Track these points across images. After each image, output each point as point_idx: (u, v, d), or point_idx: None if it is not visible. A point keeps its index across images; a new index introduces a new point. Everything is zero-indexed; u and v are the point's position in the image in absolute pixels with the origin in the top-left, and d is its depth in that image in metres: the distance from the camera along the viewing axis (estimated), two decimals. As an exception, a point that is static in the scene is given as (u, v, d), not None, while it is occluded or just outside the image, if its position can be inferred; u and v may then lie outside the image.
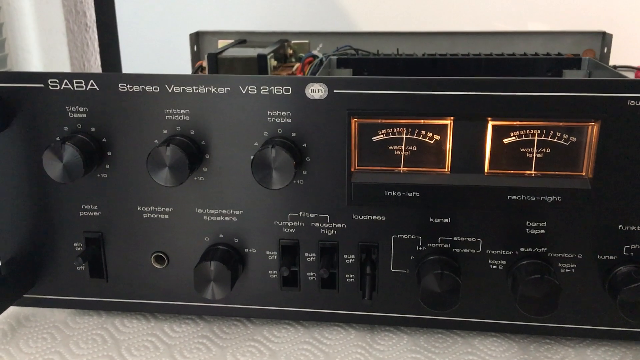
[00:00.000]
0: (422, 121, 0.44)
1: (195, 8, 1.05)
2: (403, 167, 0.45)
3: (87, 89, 0.46)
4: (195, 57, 0.87)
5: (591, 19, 0.85)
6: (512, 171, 0.44)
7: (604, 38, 0.77)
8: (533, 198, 0.44)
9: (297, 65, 0.73)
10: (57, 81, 0.46)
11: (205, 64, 0.70)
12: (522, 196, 0.44)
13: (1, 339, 0.49)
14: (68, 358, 0.46)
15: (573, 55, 0.74)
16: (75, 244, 0.50)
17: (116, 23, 1.27)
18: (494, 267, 0.46)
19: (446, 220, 0.46)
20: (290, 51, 0.83)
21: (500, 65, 0.69)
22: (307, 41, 0.86)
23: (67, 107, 0.46)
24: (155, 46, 1.13)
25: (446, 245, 0.46)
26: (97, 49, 1.30)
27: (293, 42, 0.85)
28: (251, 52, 0.73)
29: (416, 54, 0.78)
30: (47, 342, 0.48)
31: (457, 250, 0.46)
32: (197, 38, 0.88)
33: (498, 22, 0.89)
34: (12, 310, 0.52)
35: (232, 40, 0.86)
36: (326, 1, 0.93)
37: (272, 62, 0.72)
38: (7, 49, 1.15)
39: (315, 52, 0.79)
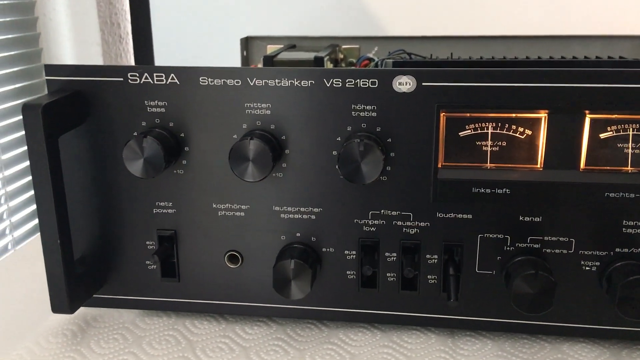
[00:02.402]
0: (513, 115, 0.42)
1: (232, 16, 1.06)
2: (491, 163, 0.44)
3: (167, 82, 0.45)
4: (245, 62, 0.87)
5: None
6: (609, 167, 0.42)
7: (667, 41, 0.75)
8: (632, 195, 0.42)
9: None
10: (137, 75, 0.45)
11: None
12: (620, 193, 0.42)
13: (71, 339, 0.48)
14: (143, 358, 0.45)
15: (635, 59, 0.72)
16: (147, 242, 0.49)
17: (151, 34, 1.29)
18: (587, 268, 0.44)
19: (537, 219, 0.44)
20: (341, 56, 0.82)
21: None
22: (357, 46, 0.85)
23: (145, 102, 0.45)
24: (187, 56, 1.13)
25: (536, 245, 0.44)
26: (132, 60, 1.31)
27: (343, 47, 0.84)
28: (306, 55, 0.72)
29: (472, 58, 0.76)
30: (119, 343, 0.47)
31: (548, 250, 0.44)
32: (246, 43, 0.87)
33: (552, 25, 0.88)
34: (79, 311, 0.51)
35: (282, 45, 0.85)
36: (375, 5, 0.92)
37: (329, 65, 0.71)
38: (43, 59, 1.16)
39: (370, 55, 0.78)
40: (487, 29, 0.88)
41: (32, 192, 1.06)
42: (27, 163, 1.05)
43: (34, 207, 1.08)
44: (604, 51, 0.77)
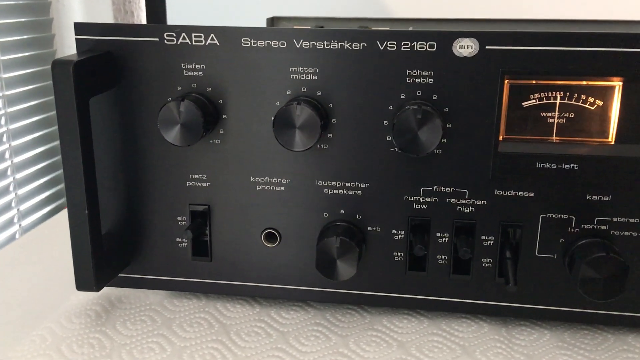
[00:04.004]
0: (584, 82, 0.39)
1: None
2: (557, 136, 0.40)
3: (207, 44, 0.42)
4: (271, 43, 0.83)
5: None
6: (688, 142, 0.39)
7: None
8: None
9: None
10: (174, 35, 0.42)
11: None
12: (701, 170, 0.38)
13: (95, 320, 0.45)
14: (174, 341, 0.42)
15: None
16: (179, 218, 0.45)
17: (166, 21, 1.25)
18: (659, 253, 0.41)
19: (606, 198, 0.40)
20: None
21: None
22: (387, 28, 0.82)
23: (182, 64, 0.42)
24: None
25: (604, 227, 0.41)
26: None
27: (373, 29, 0.81)
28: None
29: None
30: (147, 325, 0.44)
31: (616, 232, 0.41)
32: (272, 23, 0.84)
33: (618, 10, 0.84)
34: (102, 291, 0.47)
35: (309, 27, 0.82)
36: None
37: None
38: (55, 45, 1.13)
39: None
40: (528, 12, 0.84)
41: (41, 181, 1.03)
42: (34, 152, 1.02)
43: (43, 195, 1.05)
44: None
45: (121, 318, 0.45)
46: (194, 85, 0.42)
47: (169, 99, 0.42)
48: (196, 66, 0.42)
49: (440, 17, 0.84)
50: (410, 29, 0.81)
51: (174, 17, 1.19)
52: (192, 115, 0.40)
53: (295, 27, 0.83)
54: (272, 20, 0.84)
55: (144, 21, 1.27)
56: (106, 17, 1.26)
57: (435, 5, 0.95)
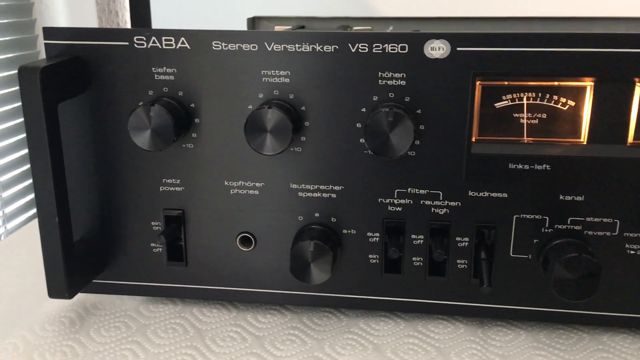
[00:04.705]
0: (556, 83, 0.39)
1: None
2: (530, 137, 0.40)
3: (177, 47, 0.41)
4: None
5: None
6: (659, 141, 0.39)
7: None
8: (685, 172, 0.38)
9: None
10: (144, 39, 0.41)
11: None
12: (672, 170, 0.39)
13: (69, 327, 0.44)
14: (148, 347, 0.41)
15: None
16: (153, 223, 0.45)
17: (151, 22, 1.25)
18: (632, 252, 0.41)
19: (579, 198, 0.40)
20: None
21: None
22: (369, 27, 0.81)
23: (153, 68, 0.42)
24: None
25: (577, 227, 0.41)
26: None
27: (355, 28, 0.81)
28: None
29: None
30: (122, 331, 0.43)
31: (590, 232, 0.41)
32: (253, 23, 0.84)
33: (576, 7, 0.84)
34: (77, 297, 0.47)
35: (290, 27, 0.81)
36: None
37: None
38: (39, 46, 1.12)
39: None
40: (506, 10, 0.85)
41: (25, 183, 1.02)
42: (21, 153, 1.01)
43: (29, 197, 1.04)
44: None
45: (95, 325, 0.44)
46: (166, 89, 0.42)
47: (140, 103, 0.42)
48: (167, 70, 0.42)
49: (421, 15, 0.84)
50: (391, 28, 0.81)
51: (158, 18, 1.18)
52: (162, 119, 0.40)
53: (276, 27, 0.83)
54: (252, 20, 0.83)
55: (128, 21, 1.26)
56: (90, 17, 1.25)
57: (419, 3, 0.95)
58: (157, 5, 1.19)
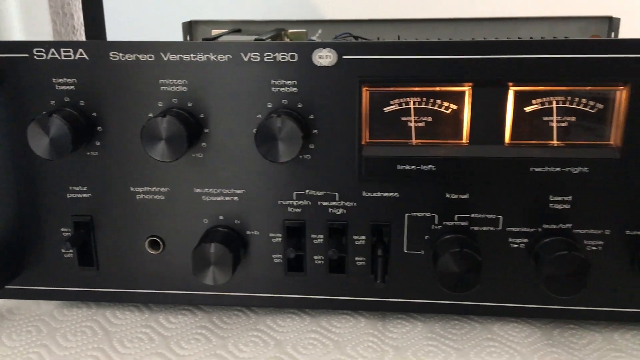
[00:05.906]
0: (437, 88, 0.41)
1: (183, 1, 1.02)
2: (417, 139, 0.42)
3: (76, 58, 0.42)
4: (188, 47, 0.84)
5: (597, 3, 0.83)
6: (534, 141, 0.41)
7: (611, 23, 0.75)
8: (557, 170, 0.41)
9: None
10: (43, 50, 0.42)
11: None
12: (546, 168, 0.41)
13: (-18, 333, 0.45)
14: (55, 351, 0.43)
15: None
16: (62, 229, 0.46)
17: (104, 24, 1.24)
18: (515, 245, 0.43)
19: (464, 196, 0.43)
20: (287, 40, 0.80)
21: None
22: (304, 30, 0.83)
23: (53, 79, 0.43)
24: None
25: (464, 223, 0.43)
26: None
27: (290, 31, 0.82)
28: (247, 38, 0.70)
29: (418, 40, 0.75)
30: (32, 335, 0.45)
31: (476, 228, 0.43)
32: (189, 28, 0.85)
33: (500, 8, 0.87)
34: (-6, 303, 0.48)
35: (226, 30, 0.82)
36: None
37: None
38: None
39: (314, 38, 0.76)
40: (434, 12, 0.87)
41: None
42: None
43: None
44: (550, 33, 0.77)
45: (8, 330, 0.45)
46: (67, 99, 0.43)
47: (43, 113, 0.43)
48: (67, 80, 0.43)
49: (355, 17, 0.86)
50: (320, 32, 0.82)
51: (111, 20, 1.17)
52: (59, 129, 0.41)
53: (213, 31, 0.84)
54: (189, 24, 0.84)
55: (82, 22, 1.26)
56: (43, 20, 1.24)
57: (361, 5, 0.97)
58: (109, 6, 1.17)
